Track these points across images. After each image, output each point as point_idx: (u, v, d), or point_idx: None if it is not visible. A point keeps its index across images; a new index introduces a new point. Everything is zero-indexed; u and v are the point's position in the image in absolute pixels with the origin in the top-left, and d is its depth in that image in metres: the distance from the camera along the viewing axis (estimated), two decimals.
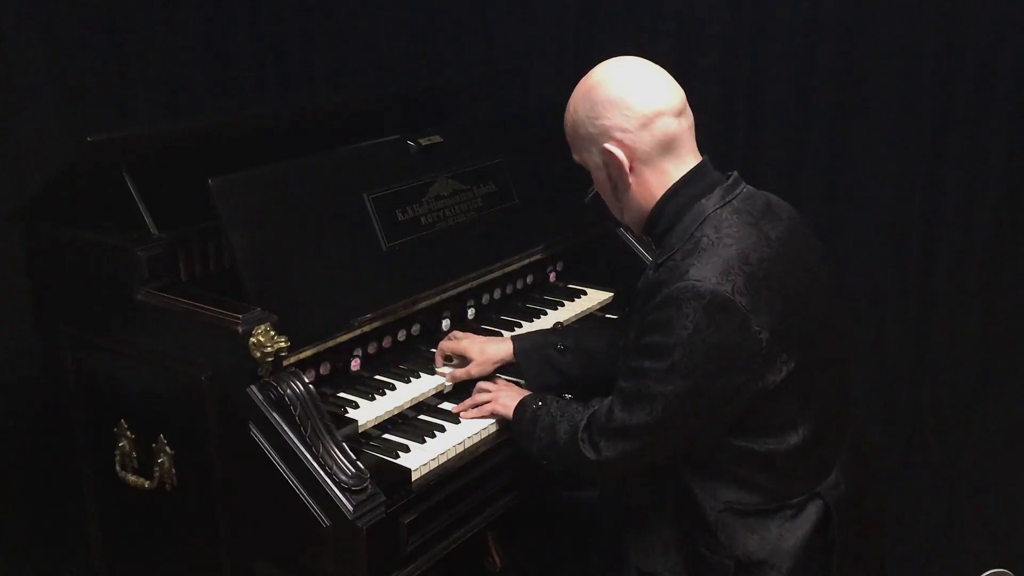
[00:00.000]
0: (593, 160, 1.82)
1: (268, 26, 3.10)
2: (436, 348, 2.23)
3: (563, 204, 2.66)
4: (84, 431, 2.21)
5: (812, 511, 1.79)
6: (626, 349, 1.80)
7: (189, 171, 1.95)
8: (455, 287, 2.30)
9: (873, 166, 2.66)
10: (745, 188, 1.79)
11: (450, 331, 2.31)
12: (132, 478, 2.07)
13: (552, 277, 2.71)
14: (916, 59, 2.55)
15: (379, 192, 2.22)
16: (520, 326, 2.43)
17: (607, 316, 2.61)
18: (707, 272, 1.63)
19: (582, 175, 2.71)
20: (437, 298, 2.26)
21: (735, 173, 1.79)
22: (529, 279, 2.62)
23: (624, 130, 1.74)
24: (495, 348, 2.18)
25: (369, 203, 2.19)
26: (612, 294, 2.65)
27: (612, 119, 1.74)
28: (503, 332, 2.39)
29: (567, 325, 2.45)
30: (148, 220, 2.03)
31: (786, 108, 2.76)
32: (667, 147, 1.75)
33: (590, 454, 1.79)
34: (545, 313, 2.52)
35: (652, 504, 1.85)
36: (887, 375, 2.75)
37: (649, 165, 1.76)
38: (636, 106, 1.73)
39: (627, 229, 1.87)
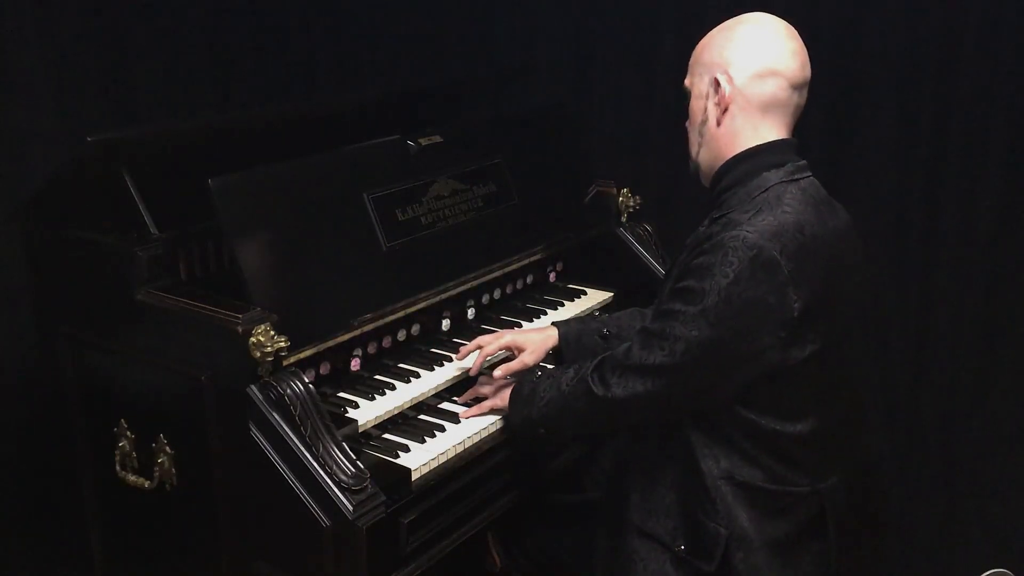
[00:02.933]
0: (700, 87, 1.84)
1: (269, 25, 3.10)
2: (466, 344, 2.19)
3: (563, 204, 2.67)
4: (84, 431, 2.21)
5: (808, 507, 1.80)
6: (660, 297, 1.82)
7: (189, 171, 1.95)
8: (455, 287, 2.30)
9: (872, 166, 2.66)
10: (811, 175, 1.82)
11: (450, 331, 2.31)
12: (132, 478, 2.07)
13: (552, 277, 2.71)
14: (916, 56, 2.55)
15: (379, 192, 2.22)
16: (520, 326, 2.43)
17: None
18: (761, 227, 1.66)
19: (582, 175, 2.73)
20: (437, 298, 2.26)
21: (804, 161, 1.82)
22: (529, 279, 2.62)
23: (742, 71, 1.76)
24: (545, 336, 2.18)
25: (369, 203, 2.19)
26: (612, 294, 2.65)
27: (737, 56, 1.77)
28: None
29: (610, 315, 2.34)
30: (148, 220, 2.03)
31: None
32: (768, 108, 1.78)
33: (598, 389, 1.81)
34: (545, 313, 2.52)
35: (660, 464, 1.86)
36: (887, 375, 2.75)
37: (744, 115, 1.78)
38: (764, 57, 1.76)
39: (695, 172, 1.89)
